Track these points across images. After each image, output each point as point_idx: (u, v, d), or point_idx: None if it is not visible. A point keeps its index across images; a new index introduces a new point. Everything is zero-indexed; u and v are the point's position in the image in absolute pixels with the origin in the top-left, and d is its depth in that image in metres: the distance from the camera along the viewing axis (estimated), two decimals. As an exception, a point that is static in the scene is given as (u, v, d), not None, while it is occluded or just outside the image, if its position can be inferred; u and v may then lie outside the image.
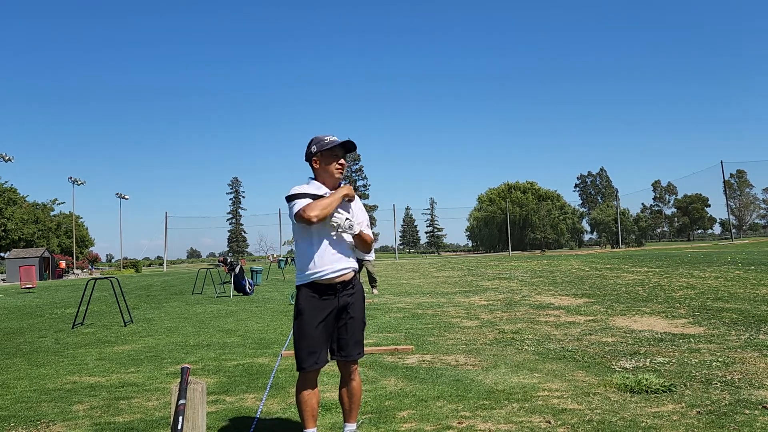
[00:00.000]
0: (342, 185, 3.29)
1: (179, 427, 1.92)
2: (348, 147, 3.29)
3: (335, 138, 3.27)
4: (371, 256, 15.12)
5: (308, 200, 3.14)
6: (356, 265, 3.31)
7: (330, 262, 3.17)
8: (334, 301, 3.20)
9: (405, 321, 8.63)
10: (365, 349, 6.17)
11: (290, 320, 8.91)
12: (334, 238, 3.20)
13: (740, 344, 5.65)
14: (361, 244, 3.31)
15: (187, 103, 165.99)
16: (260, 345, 7.01)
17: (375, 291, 14.53)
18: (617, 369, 4.87)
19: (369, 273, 14.90)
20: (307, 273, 3.20)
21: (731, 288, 10.51)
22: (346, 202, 3.28)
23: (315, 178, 3.32)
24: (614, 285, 12.52)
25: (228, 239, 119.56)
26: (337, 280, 3.20)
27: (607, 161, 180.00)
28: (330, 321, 3.21)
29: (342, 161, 3.29)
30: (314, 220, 3.06)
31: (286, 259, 34.75)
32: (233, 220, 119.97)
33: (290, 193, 3.21)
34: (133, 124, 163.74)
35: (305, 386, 3.20)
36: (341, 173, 3.29)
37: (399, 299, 12.15)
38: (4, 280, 45.75)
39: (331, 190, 3.26)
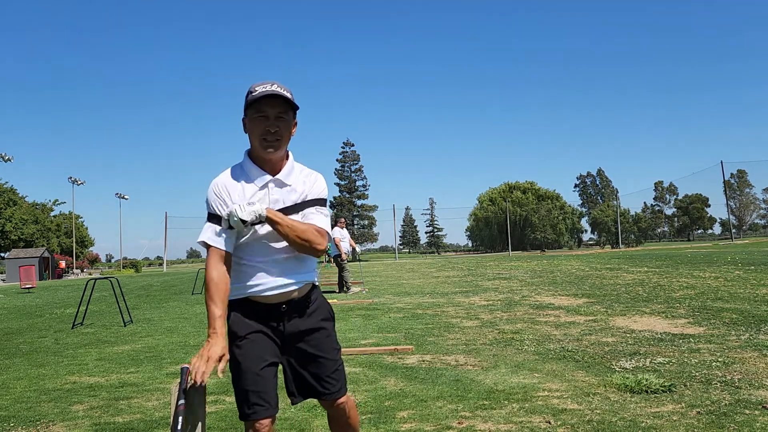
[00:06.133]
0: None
1: (179, 427, 1.92)
2: (276, 100, 2.17)
3: (266, 87, 2.17)
4: (345, 247, 13.98)
5: (211, 229, 2.23)
6: (311, 278, 2.36)
7: (269, 274, 2.24)
8: (279, 328, 2.28)
9: (405, 321, 8.62)
10: (365, 350, 6.18)
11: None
12: (281, 240, 2.23)
13: (740, 344, 5.64)
14: (292, 242, 2.22)
15: (187, 103, 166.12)
16: (260, 345, 6.99)
17: (354, 289, 14.15)
18: (617, 369, 4.87)
19: (339, 276, 13.90)
20: (238, 285, 2.26)
21: (731, 288, 10.50)
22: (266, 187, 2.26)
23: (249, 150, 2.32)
24: (614, 285, 12.51)
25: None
26: (279, 299, 2.26)
27: (607, 161, 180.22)
28: (279, 353, 2.31)
29: (270, 127, 2.18)
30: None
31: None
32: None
33: (206, 197, 2.28)
34: (132, 124, 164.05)
35: None
36: (270, 144, 2.19)
37: (399, 299, 12.14)
38: (3, 280, 45.74)
39: (260, 170, 2.26)
